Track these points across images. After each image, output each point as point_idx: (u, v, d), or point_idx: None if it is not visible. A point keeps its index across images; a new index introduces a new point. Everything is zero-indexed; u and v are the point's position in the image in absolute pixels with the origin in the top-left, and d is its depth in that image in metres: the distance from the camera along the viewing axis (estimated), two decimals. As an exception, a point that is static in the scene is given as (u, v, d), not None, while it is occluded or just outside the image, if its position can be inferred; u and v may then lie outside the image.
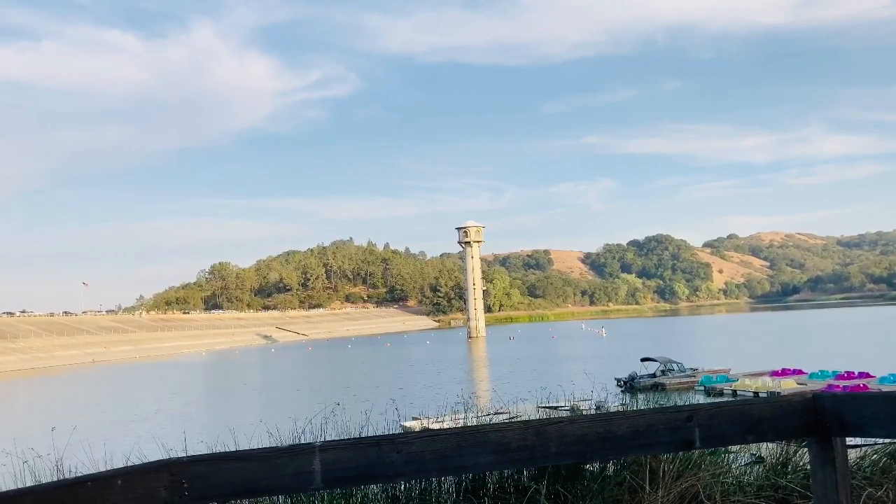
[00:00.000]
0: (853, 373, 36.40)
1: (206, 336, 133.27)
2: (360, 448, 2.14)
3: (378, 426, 14.77)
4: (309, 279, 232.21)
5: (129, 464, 2.25)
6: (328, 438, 12.44)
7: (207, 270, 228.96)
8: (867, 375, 35.66)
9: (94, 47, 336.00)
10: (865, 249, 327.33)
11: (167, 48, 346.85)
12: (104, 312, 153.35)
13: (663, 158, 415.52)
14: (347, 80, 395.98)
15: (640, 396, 21.36)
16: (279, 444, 12.52)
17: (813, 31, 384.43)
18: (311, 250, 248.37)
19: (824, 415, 2.27)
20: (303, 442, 11.95)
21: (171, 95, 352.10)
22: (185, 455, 2.22)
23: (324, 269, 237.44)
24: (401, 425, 24.07)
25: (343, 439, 2.79)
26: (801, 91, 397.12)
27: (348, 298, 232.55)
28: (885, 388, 32.03)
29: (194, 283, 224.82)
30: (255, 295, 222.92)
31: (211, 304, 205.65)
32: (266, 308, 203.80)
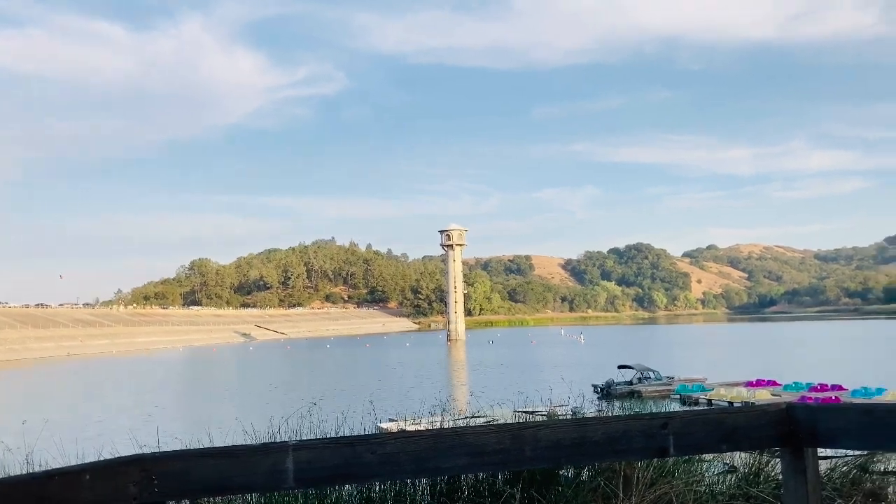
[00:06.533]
0: (826, 385, 36.82)
1: (183, 332, 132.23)
2: (334, 448, 2.12)
3: (354, 426, 14.73)
4: (289, 278, 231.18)
5: (101, 458, 2.22)
6: (304, 437, 12.36)
7: (187, 266, 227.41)
8: (840, 388, 36.08)
9: (80, 37, 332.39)
10: (842, 264, 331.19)
11: (155, 41, 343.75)
12: (81, 305, 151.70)
13: (648, 168, 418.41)
14: (335, 79, 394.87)
15: (616, 403, 21.49)
16: (254, 442, 12.43)
17: (801, 46, 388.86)
18: (293, 249, 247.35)
19: (798, 425, 2.29)
20: (278, 440, 11.87)
21: (158, 88, 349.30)
22: (156, 451, 2.19)
23: (305, 268, 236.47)
24: (377, 426, 24.01)
25: (318, 439, 2.77)
26: (788, 105, 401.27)
27: (329, 298, 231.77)
28: (857, 401, 32.39)
29: (173, 279, 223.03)
30: (235, 292, 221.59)
31: (190, 300, 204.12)
32: (245, 306, 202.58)
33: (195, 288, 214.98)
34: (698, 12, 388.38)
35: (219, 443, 11.50)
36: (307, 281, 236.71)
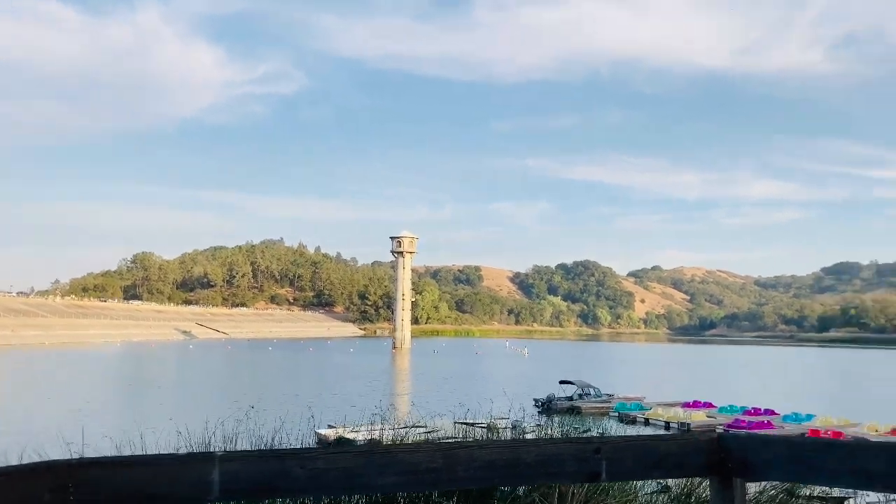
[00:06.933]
0: (759, 409, 37.76)
1: (122, 326, 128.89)
2: (263, 460, 2.06)
3: (292, 432, 14.55)
4: (235, 276, 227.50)
5: (21, 461, 2.11)
6: (239, 442, 12.14)
7: (130, 259, 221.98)
8: (772, 413, 37.05)
9: (28, 16, 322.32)
10: (780, 291, 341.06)
11: (109, 26, 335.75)
12: (14, 294, 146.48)
13: (600, 187, 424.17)
14: (295, 78, 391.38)
15: (556, 419, 21.63)
16: (188, 445, 12.11)
17: (751, 77, 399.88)
18: (240, 247, 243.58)
19: (728, 455, 2.32)
20: (211, 446, 11.57)
21: (110, 75, 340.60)
22: (77, 456, 2.10)
23: (251, 268, 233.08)
24: (315, 432, 23.80)
25: (246, 450, 2.70)
26: (736, 134, 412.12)
27: (273, 299, 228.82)
28: (788, 426, 33.37)
29: (114, 271, 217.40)
30: (178, 288, 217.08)
31: (130, 293, 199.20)
32: (188, 303, 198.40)
33: (136, 282, 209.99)
34: (654, 38, 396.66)
35: (150, 443, 11.22)
36: (252, 281, 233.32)
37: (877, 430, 32.28)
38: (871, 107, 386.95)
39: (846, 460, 2.17)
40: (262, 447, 11.45)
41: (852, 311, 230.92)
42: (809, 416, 35.43)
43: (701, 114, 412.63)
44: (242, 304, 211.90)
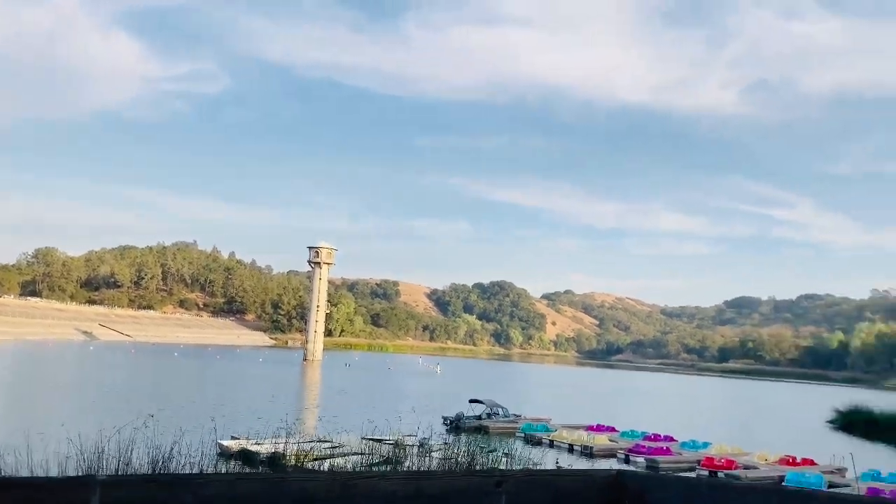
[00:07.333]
0: (659, 435, 38.90)
1: (17, 324, 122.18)
2: (148, 487, 1.96)
3: (193, 443, 14.04)
4: (143, 278, 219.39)
5: None
6: (134, 454, 11.58)
7: (31, 254, 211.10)
8: (671, 439, 38.23)
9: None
10: (684, 321, 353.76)
11: (25, 8, 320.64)
12: None
13: (520, 209, 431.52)
14: (219, 79, 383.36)
15: (463, 437, 21.71)
16: (79, 454, 11.45)
17: (668, 114, 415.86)
18: (150, 248, 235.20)
19: (626, 493, 2.36)
20: (103, 457, 11.00)
21: (25, 61, 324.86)
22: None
23: (161, 270, 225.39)
24: (218, 443, 23.08)
25: (131, 475, 2.57)
26: (651, 167, 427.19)
27: (183, 304, 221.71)
28: (686, 453, 34.48)
29: (13, 266, 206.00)
30: (82, 287, 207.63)
31: (29, 290, 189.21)
32: (91, 302, 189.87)
33: (37, 278, 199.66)
34: (580, 70, 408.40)
35: (37, 452, 10.59)
36: (162, 284, 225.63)
37: (766, 460, 33.74)
38: (776, 150, 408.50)
39: (737, 502, 2.24)
40: (158, 460, 11.03)
41: (750, 344, 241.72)
42: (706, 444, 36.71)
43: (619, 146, 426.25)
44: (150, 307, 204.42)
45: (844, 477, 30.03)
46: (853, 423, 52.64)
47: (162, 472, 10.65)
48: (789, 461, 32.90)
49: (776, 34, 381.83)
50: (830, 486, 27.15)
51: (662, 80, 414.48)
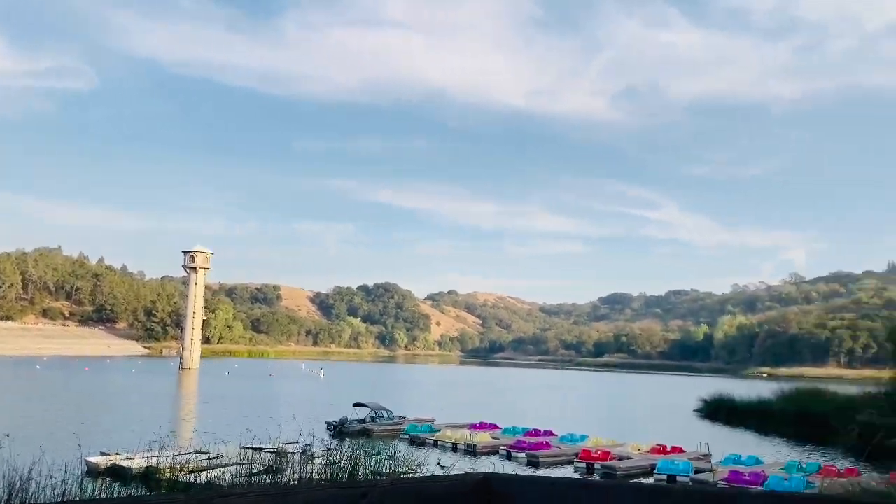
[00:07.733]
0: (539, 430, 40.08)
1: None
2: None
3: (56, 462, 13.22)
4: (1, 287, 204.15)
5: None
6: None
7: None
8: (551, 433, 39.48)
9: None
10: (562, 318, 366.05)
11: None
12: None
13: (403, 211, 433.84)
14: (84, 75, 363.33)
15: (347, 442, 21.55)
16: None
17: (543, 118, 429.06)
18: (9, 254, 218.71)
19: (494, 496, 2.43)
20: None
21: None
22: None
23: (20, 278, 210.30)
24: (85, 461, 21.83)
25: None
26: (528, 170, 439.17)
27: (46, 313, 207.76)
28: (564, 447, 35.69)
29: None
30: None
31: None
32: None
33: None
34: (457, 74, 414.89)
35: None
36: (22, 292, 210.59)
37: (639, 449, 35.45)
38: (644, 154, 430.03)
39: (601, 499, 2.37)
40: (15, 484, 10.30)
41: (623, 338, 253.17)
42: (584, 437, 38.16)
43: (498, 149, 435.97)
44: (8, 318, 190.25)
45: (710, 462, 31.97)
46: (717, 410, 56.20)
47: (19, 497, 9.94)
48: (660, 450, 34.69)
49: (643, 44, 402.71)
50: (697, 471, 28.84)
51: (536, 85, 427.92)
